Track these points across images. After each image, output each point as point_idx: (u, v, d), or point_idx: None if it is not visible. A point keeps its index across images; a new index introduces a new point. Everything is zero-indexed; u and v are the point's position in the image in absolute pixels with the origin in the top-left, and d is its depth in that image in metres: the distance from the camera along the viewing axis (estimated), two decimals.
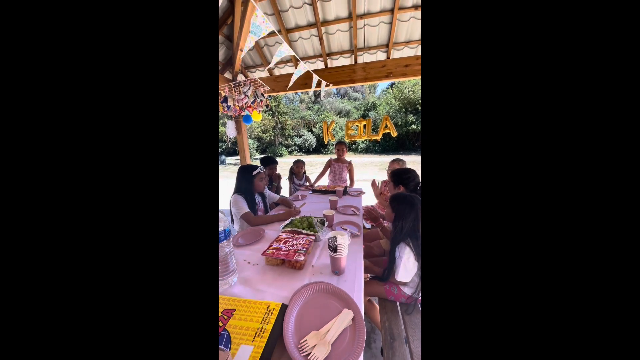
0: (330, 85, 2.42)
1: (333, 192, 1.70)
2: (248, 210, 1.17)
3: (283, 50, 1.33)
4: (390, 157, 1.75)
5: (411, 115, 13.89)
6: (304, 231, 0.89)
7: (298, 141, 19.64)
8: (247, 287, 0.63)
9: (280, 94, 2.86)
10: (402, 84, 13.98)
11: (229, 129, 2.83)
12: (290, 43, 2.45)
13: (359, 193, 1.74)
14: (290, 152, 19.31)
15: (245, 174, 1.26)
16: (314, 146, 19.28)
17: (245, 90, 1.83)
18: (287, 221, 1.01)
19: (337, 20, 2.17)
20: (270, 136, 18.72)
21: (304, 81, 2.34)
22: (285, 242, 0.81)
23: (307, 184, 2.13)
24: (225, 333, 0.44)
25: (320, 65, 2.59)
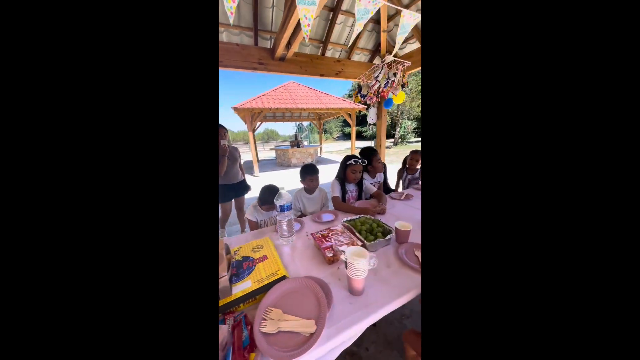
0: None
1: None
2: (338, 195, 1.32)
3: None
4: None
5: None
6: (357, 234, 0.84)
7: None
8: (293, 252, 0.84)
9: None
10: None
11: (370, 116, 3.00)
12: None
13: None
14: None
15: (342, 162, 1.39)
16: None
17: (376, 75, 1.80)
18: (357, 217, 1.00)
19: None
20: None
21: None
22: (335, 234, 0.86)
23: (421, 181, 1.66)
24: (254, 267, 0.69)
25: None
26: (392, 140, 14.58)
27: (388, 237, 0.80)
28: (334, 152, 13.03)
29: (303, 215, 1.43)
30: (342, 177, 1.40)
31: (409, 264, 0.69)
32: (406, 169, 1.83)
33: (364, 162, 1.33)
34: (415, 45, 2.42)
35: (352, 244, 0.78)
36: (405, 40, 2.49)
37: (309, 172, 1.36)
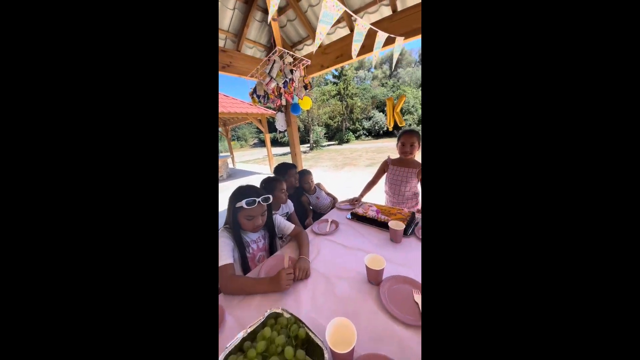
0: (402, 39, 1.49)
1: (386, 226, 0.98)
2: (228, 260, 0.75)
3: (328, 12, 0.76)
4: None
5: None
6: None
7: (367, 124, 18.19)
8: None
9: (328, 70, 2.22)
10: None
11: (278, 122, 2.58)
12: None
13: None
14: (357, 137, 18.23)
15: (229, 203, 0.83)
16: (385, 128, 17.12)
17: (268, 71, 1.38)
18: (262, 318, 0.51)
19: None
20: (338, 122, 18.28)
21: (363, 43, 1.56)
22: None
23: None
24: None
25: (386, 12, 1.68)
26: (308, 145, 15.37)
27: None
28: (251, 161, 11.83)
29: None
30: (235, 225, 0.84)
31: None
32: (304, 190, 1.56)
33: (266, 201, 0.84)
34: (312, 47, 2.28)
35: None
36: (302, 41, 2.31)
37: None
